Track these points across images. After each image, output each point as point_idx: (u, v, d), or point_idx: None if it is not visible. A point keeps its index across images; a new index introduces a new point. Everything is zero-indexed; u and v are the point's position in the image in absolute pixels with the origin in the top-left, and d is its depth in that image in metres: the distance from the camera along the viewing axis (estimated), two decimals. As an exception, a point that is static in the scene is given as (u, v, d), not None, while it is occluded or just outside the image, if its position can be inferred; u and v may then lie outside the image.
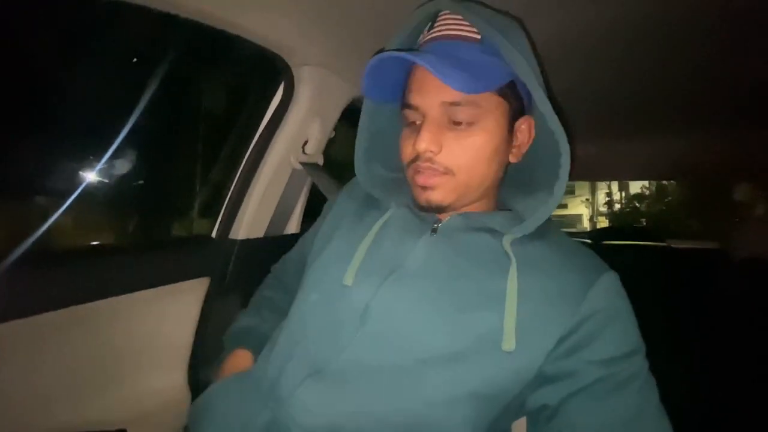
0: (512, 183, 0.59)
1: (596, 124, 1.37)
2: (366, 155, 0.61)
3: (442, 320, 0.47)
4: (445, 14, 0.52)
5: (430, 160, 0.49)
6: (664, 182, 10.75)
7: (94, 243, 0.86)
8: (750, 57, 0.86)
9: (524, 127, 0.54)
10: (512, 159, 0.55)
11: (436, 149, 0.49)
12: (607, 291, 0.48)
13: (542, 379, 0.46)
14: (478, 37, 0.50)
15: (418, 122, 0.51)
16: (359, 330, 0.49)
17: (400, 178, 0.62)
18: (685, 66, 0.92)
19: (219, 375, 0.63)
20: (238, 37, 0.73)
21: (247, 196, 0.93)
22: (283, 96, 0.89)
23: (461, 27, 0.50)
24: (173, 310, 0.85)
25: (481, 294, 0.48)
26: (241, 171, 0.93)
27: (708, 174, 1.98)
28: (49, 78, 0.83)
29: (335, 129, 1.06)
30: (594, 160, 1.67)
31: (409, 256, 0.52)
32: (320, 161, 1.04)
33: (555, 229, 0.56)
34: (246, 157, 0.92)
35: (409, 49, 0.53)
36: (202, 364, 0.89)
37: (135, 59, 0.84)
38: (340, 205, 0.66)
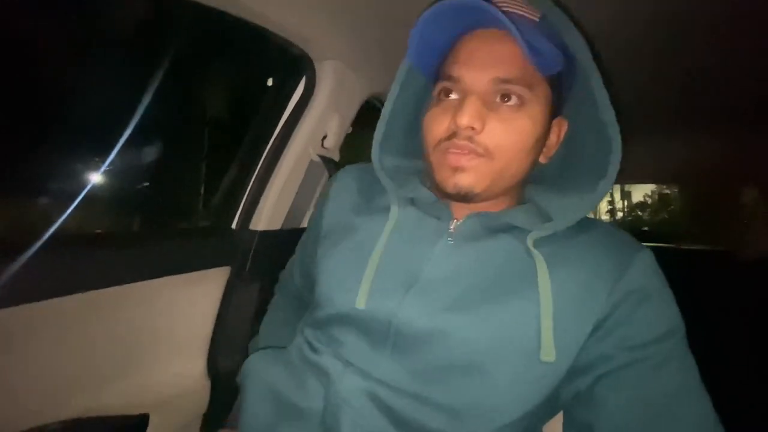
0: (540, 184, 0.55)
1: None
2: (384, 139, 0.56)
3: (473, 332, 0.44)
4: None
5: (469, 138, 0.45)
6: (666, 191, 10.75)
7: (120, 230, 0.88)
8: (752, 60, 0.87)
9: (557, 128, 0.51)
10: (542, 159, 0.51)
11: (479, 126, 0.44)
12: (643, 270, 0.45)
13: (576, 368, 0.44)
14: (537, 18, 0.47)
15: (455, 97, 0.47)
16: (387, 345, 0.46)
17: (408, 168, 0.58)
18: (688, 69, 0.93)
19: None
20: (262, 29, 0.75)
21: (267, 187, 0.95)
22: (304, 90, 0.91)
23: (518, 5, 0.47)
24: (194, 298, 0.86)
25: (512, 300, 0.44)
26: (262, 163, 0.94)
27: (711, 177, 1.99)
28: (77, 71, 0.85)
29: (351, 127, 1.08)
30: None
31: (426, 266, 0.49)
32: (336, 157, 1.06)
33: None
34: (267, 149, 0.94)
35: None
36: (222, 352, 0.90)
37: (160, 52, 0.86)
38: (335, 202, 0.61)
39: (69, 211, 0.80)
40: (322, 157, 0.99)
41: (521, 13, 0.47)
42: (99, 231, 0.76)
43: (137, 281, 0.74)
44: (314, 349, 0.52)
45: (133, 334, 0.76)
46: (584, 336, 0.43)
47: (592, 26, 0.77)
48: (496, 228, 0.50)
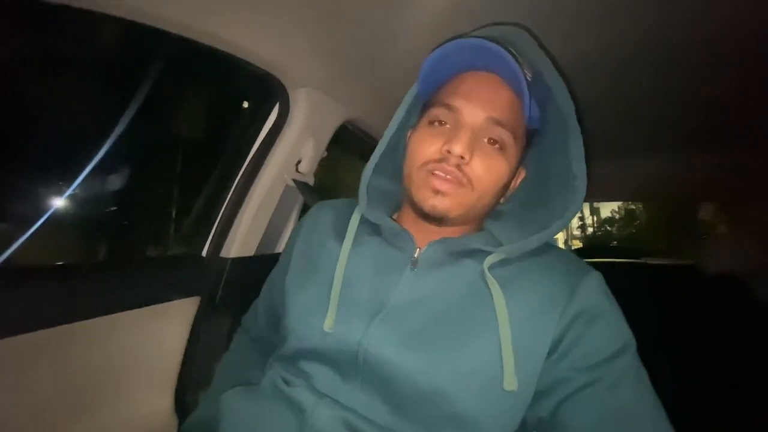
0: (494, 218, 0.58)
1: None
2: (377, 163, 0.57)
3: (437, 363, 0.45)
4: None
5: (458, 166, 0.47)
6: (632, 206, 11.26)
7: (79, 261, 0.82)
8: (712, 83, 0.92)
9: (517, 176, 0.55)
10: (501, 199, 0.55)
11: (468, 157, 0.47)
12: (591, 291, 0.47)
13: (537, 393, 0.45)
14: (530, 78, 0.50)
15: (449, 124, 0.49)
16: (357, 376, 0.47)
17: (380, 186, 0.60)
18: (652, 92, 0.99)
19: None
20: (235, 57, 0.75)
21: (239, 213, 0.93)
22: (278, 116, 0.91)
23: (519, 62, 0.50)
24: (161, 331, 0.81)
25: (472, 328, 0.46)
26: (234, 189, 0.93)
27: (674, 195, 2.11)
28: (40, 91, 0.82)
29: (326, 150, 1.08)
30: None
31: (392, 293, 0.50)
32: (311, 181, 1.05)
33: None
34: (239, 175, 0.93)
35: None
36: (190, 388, 0.85)
37: (131, 77, 0.85)
38: (305, 236, 0.62)
39: (21, 240, 0.75)
40: (297, 182, 0.98)
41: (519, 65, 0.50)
42: (55, 263, 0.71)
43: (98, 316, 0.69)
44: (287, 382, 0.52)
45: (94, 372, 0.71)
46: (542, 360, 0.45)
47: (560, 54, 0.82)
48: (457, 253, 0.52)
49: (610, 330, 0.46)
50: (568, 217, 0.49)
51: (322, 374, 0.49)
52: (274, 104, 0.91)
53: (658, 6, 0.66)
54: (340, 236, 0.58)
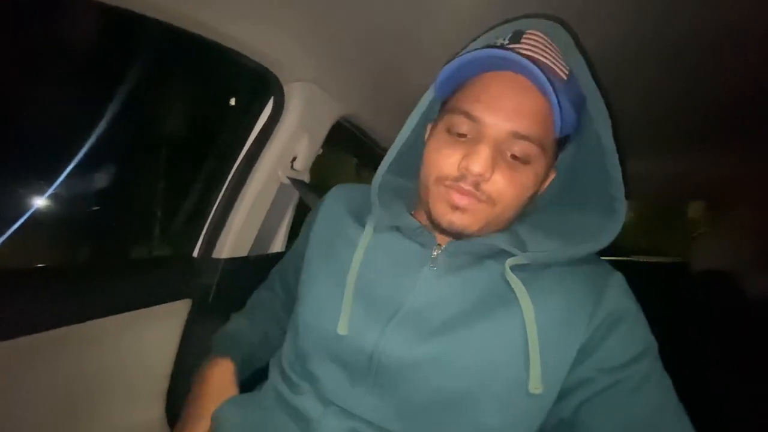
0: (523, 220, 0.55)
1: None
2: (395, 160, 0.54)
3: (458, 363, 0.43)
4: (538, 35, 0.48)
5: (476, 184, 0.45)
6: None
7: (65, 263, 0.78)
8: (701, 84, 0.93)
9: (548, 178, 0.52)
10: (529, 204, 0.52)
11: (489, 175, 0.44)
12: (618, 293, 0.47)
13: (559, 394, 0.44)
14: (566, 77, 0.46)
15: (469, 135, 0.46)
16: (369, 380, 0.45)
17: (396, 185, 0.57)
18: (639, 93, 0.99)
19: (197, 384, 0.58)
20: (228, 49, 0.72)
21: (232, 212, 0.89)
22: (272, 111, 0.88)
23: (554, 58, 0.47)
24: (152, 336, 0.78)
25: (496, 329, 0.44)
26: (227, 186, 0.89)
27: (663, 194, 2.14)
28: (27, 85, 0.78)
29: (322, 147, 1.05)
30: None
31: (410, 293, 0.48)
32: (306, 179, 1.02)
33: None
34: (232, 172, 0.90)
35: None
36: (182, 396, 0.82)
37: (120, 68, 0.81)
38: (321, 223, 0.60)
39: (2, 239, 0.71)
40: (292, 179, 0.96)
41: (553, 65, 0.46)
42: (39, 265, 0.67)
43: (85, 321, 0.66)
44: (292, 387, 0.50)
45: (85, 378, 0.68)
46: (569, 364, 0.44)
47: None
48: (478, 253, 0.50)
49: (634, 332, 0.45)
50: (604, 242, 0.46)
51: (330, 377, 0.47)
52: (269, 99, 0.88)
53: (651, 10, 0.65)
54: (360, 225, 0.55)
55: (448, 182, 0.46)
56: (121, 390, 0.74)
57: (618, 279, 0.48)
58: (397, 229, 0.53)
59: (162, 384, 0.81)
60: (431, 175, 0.48)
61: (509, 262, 0.46)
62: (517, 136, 0.44)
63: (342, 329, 0.47)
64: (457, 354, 0.43)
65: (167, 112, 0.95)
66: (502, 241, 0.48)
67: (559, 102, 0.43)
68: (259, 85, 0.85)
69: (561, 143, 0.50)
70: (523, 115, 0.44)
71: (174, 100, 0.94)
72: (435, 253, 0.50)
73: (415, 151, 0.54)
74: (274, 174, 0.92)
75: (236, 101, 0.94)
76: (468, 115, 0.45)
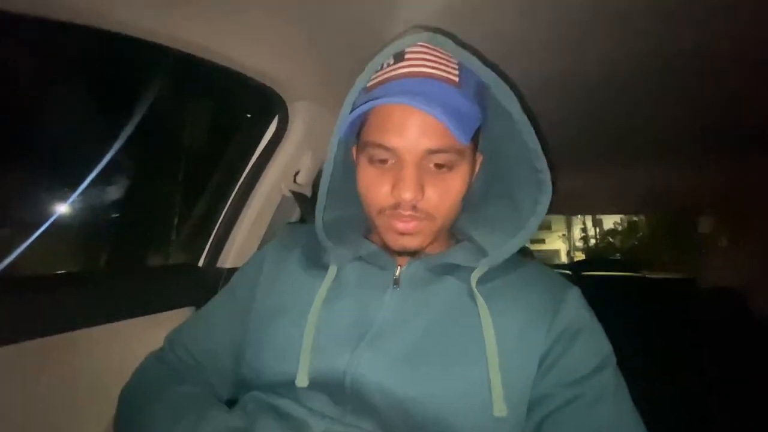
0: (465, 210, 0.56)
1: (569, 159, 1.46)
2: (328, 197, 0.54)
3: (427, 384, 0.44)
4: (417, 47, 0.49)
5: (413, 208, 0.47)
6: (635, 218, 11.23)
7: (70, 270, 0.83)
8: (713, 97, 0.94)
9: (476, 164, 0.55)
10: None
11: (420, 198, 0.46)
12: (573, 306, 0.48)
13: None
14: (456, 78, 0.48)
15: (390, 161, 0.48)
16: (348, 402, 0.46)
17: (347, 218, 0.59)
18: (655, 106, 1.00)
19: None
20: (236, 71, 0.76)
21: (236, 224, 0.93)
22: (277, 128, 0.92)
23: (438, 64, 0.48)
24: (154, 342, 0.81)
25: (459, 350, 0.46)
26: (232, 200, 0.93)
27: (675, 207, 2.11)
28: (34, 104, 0.84)
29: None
30: (568, 194, 1.76)
31: (377, 315, 0.49)
32: (309, 193, 1.06)
33: (513, 255, 0.54)
34: (237, 186, 0.94)
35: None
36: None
37: (133, 89, 0.86)
38: (272, 266, 0.59)
39: (20, 250, 0.76)
40: (294, 193, 0.99)
41: (439, 72, 0.48)
42: (46, 273, 0.71)
43: (88, 327, 0.69)
44: (275, 400, 0.50)
45: (83, 385, 0.70)
46: (531, 381, 0.45)
47: (567, 67, 0.81)
48: (439, 270, 0.52)
49: (591, 344, 0.47)
50: (540, 212, 0.49)
51: (312, 396, 0.48)
52: (273, 117, 0.93)
53: (659, 20, 0.67)
54: (316, 266, 0.56)
55: (388, 212, 0.49)
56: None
57: (575, 291, 0.50)
58: (360, 258, 0.55)
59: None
60: (372, 209, 0.50)
61: (474, 276, 0.48)
62: (432, 151, 0.46)
63: (302, 379, 0.47)
64: (426, 376, 0.45)
65: (178, 130, 1.00)
66: (459, 256, 0.51)
67: (455, 112, 0.44)
68: (265, 104, 0.90)
69: (476, 136, 0.51)
70: (430, 133, 0.46)
71: (184, 119, 0.99)
72: (397, 274, 0.52)
73: (349, 180, 0.55)
74: (277, 188, 0.96)
75: (243, 119, 0.98)
76: (382, 146, 0.47)
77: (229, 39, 0.69)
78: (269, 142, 0.93)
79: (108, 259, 0.97)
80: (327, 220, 0.55)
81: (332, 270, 0.54)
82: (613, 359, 0.47)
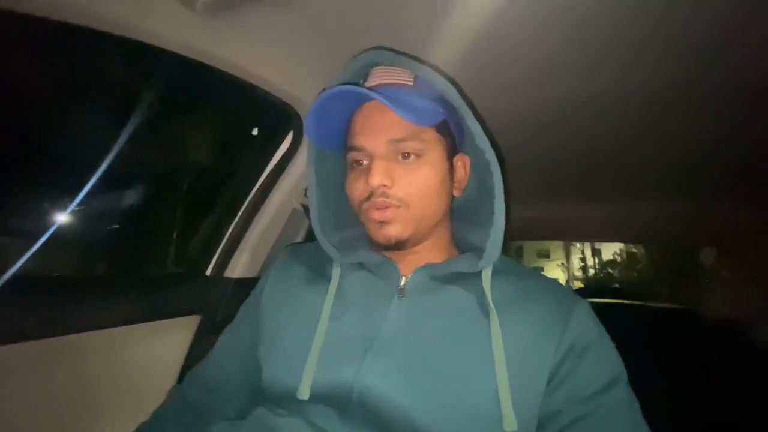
0: (463, 218, 0.60)
1: (570, 187, 1.48)
2: (320, 210, 0.59)
3: (435, 396, 0.44)
4: (379, 67, 0.55)
5: (384, 194, 0.50)
6: (634, 250, 11.21)
7: (78, 275, 0.83)
8: (715, 129, 0.95)
9: (461, 164, 0.57)
10: (455, 192, 0.57)
11: (389, 183, 0.49)
12: (583, 320, 0.48)
13: None
14: (411, 83, 0.54)
15: (365, 162, 0.52)
16: (356, 415, 0.46)
17: (353, 236, 0.61)
18: (655, 137, 1.02)
19: None
20: (251, 84, 0.79)
21: (246, 235, 0.95)
22: (291, 143, 0.95)
23: (395, 75, 0.54)
24: (159, 349, 0.81)
25: (469, 359, 0.46)
26: (243, 211, 0.95)
27: (675, 238, 2.11)
28: (49, 117, 0.86)
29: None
30: (567, 221, 1.76)
31: (383, 325, 0.50)
32: (318, 207, 1.08)
33: (519, 266, 0.56)
34: (249, 198, 0.96)
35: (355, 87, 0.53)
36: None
37: (151, 100, 0.90)
38: (276, 282, 0.61)
39: (31, 252, 0.77)
40: (305, 207, 1.01)
41: (395, 81, 0.54)
42: (56, 274, 0.72)
43: (94, 329, 0.69)
44: (278, 413, 0.50)
45: (88, 388, 0.70)
46: (540, 394, 0.45)
47: (567, 96, 0.83)
48: (445, 279, 0.52)
49: (602, 361, 0.47)
50: (497, 190, 0.52)
51: (318, 411, 0.48)
52: (288, 132, 0.95)
53: (662, 51, 0.69)
54: (320, 282, 0.57)
55: (365, 204, 0.52)
56: (125, 400, 0.76)
57: (583, 305, 0.50)
58: (362, 265, 0.57)
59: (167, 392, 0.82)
60: (355, 207, 0.54)
61: (486, 281, 0.49)
62: (395, 141, 0.50)
63: (304, 392, 0.47)
64: (433, 388, 0.44)
65: (193, 141, 1.03)
66: (462, 265, 0.52)
67: (404, 104, 0.49)
68: (280, 119, 0.93)
69: (443, 129, 0.54)
70: (390, 125, 0.50)
71: (200, 131, 1.02)
72: (402, 284, 0.53)
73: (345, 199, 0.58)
74: (288, 201, 0.97)
75: (257, 133, 1.01)
76: (354, 147, 0.52)
77: (248, 55, 0.71)
78: (283, 156, 0.96)
79: (118, 266, 0.97)
80: (333, 241, 0.58)
81: (335, 278, 0.55)
82: (625, 376, 0.47)
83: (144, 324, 0.77)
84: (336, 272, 0.56)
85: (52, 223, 0.86)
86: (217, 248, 0.95)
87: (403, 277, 0.54)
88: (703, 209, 1.51)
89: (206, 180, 1.07)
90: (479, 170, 0.56)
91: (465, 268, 0.51)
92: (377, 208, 0.50)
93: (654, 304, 1.99)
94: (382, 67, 0.55)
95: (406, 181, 0.50)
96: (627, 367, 0.48)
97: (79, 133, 0.89)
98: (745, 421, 1.26)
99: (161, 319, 0.81)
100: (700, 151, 1.08)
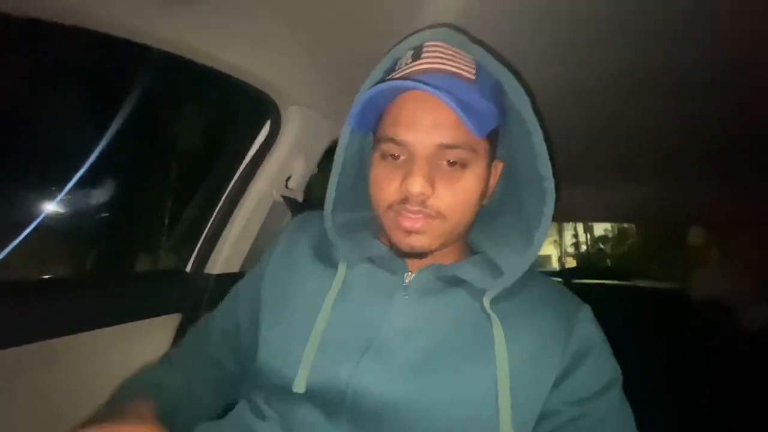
0: (481, 222, 0.55)
1: (562, 168, 1.46)
2: (337, 196, 0.54)
3: (433, 400, 0.43)
4: (435, 45, 0.49)
5: (422, 203, 0.45)
6: (625, 225, 11.35)
7: (53, 276, 0.80)
8: (707, 112, 0.94)
9: (494, 171, 0.53)
10: (484, 201, 0.53)
11: (430, 192, 0.44)
12: (586, 327, 0.48)
13: None
14: (473, 76, 0.47)
15: (401, 158, 0.47)
16: (343, 416, 0.44)
17: (358, 220, 0.57)
18: (647, 118, 1.01)
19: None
20: (228, 74, 0.75)
21: (225, 229, 0.92)
22: (269, 133, 0.91)
23: (456, 62, 0.48)
24: (139, 350, 0.79)
25: (470, 365, 0.44)
26: (222, 204, 0.92)
27: (664, 218, 2.13)
28: (23, 106, 0.81)
29: (318, 167, 1.08)
30: (559, 202, 1.76)
31: (384, 321, 0.48)
32: (300, 198, 1.05)
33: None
34: (228, 190, 0.92)
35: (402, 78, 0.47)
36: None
37: (122, 90, 0.85)
38: (283, 255, 0.58)
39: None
40: (286, 198, 0.98)
41: (456, 69, 0.47)
42: (28, 279, 0.69)
43: (72, 333, 0.67)
44: (258, 414, 0.49)
45: (68, 393, 0.68)
46: (542, 402, 0.44)
47: (560, 79, 0.81)
48: (451, 281, 0.50)
49: (600, 364, 0.46)
50: (544, 225, 0.47)
51: (304, 412, 0.46)
52: (266, 121, 0.91)
53: (648, 35, 0.67)
54: (324, 262, 0.54)
55: (395, 207, 0.47)
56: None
57: (586, 310, 0.49)
58: (369, 259, 0.53)
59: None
60: (380, 205, 0.48)
61: (487, 297, 0.47)
62: (444, 146, 0.45)
63: (300, 385, 0.45)
64: (432, 391, 0.43)
65: (168, 132, 0.98)
66: (471, 273, 0.49)
67: (468, 106, 0.43)
68: (257, 108, 0.88)
69: (492, 136, 0.49)
70: (442, 126, 0.44)
71: (174, 121, 0.97)
72: (407, 281, 0.51)
73: (363, 181, 0.54)
74: (269, 192, 0.94)
75: (234, 122, 0.97)
76: (393, 140, 0.46)
77: (223, 43, 0.68)
78: (261, 146, 0.92)
79: (93, 263, 0.94)
80: (339, 222, 0.54)
81: (341, 270, 0.52)
82: (620, 381, 0.46)
83: (123, 325, 0.75)
84: (343, 266, 0.52)
85: (22, 225, 0.83)
86: (197, 243, 0.92)
87: (409, 274, 0.51)
88: (691, 189, 1.51)
89: (182, 173, 1.03)
90: (518, 182, 0.52)
91: (472, 279, 0.48)
92: (410, 216, 0.45)
93: (643, 284, 2.02)
94: (439, 44, 0.48)
95: (447, 192, 0.45)
96: (620, 347, 0.48)
97: (46, 129, 0.84)
98: (732, 401, 1.30)
99: (140, 319, 0.79)
100: (688, 133, 1.08)
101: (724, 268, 1.64)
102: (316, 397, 0.45)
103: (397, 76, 0.48)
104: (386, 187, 0.47)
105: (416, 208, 0.45)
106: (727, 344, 1.39)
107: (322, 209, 0.56)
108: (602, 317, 0.50)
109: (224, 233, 0.92)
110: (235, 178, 0.93)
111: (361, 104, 0.46)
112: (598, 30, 0.66)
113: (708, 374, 1.38)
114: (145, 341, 0.80)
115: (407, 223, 0.46)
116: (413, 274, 0.51)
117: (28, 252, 0.80)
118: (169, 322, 0.84)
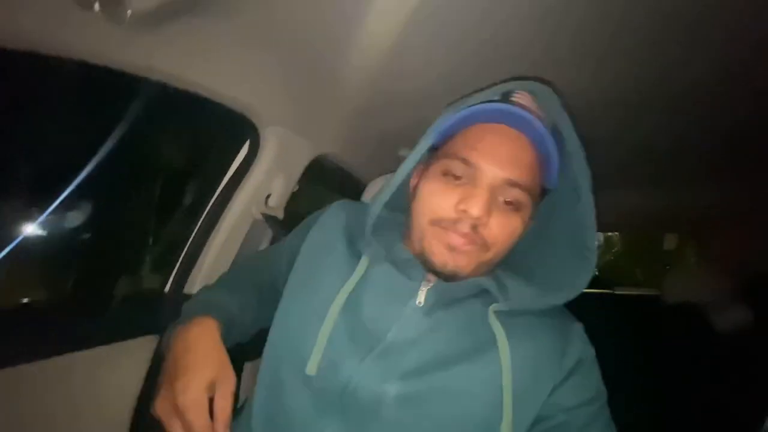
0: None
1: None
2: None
3: (432, 410, 0.44)
4: (523, 94, 0.51)
5: (473, 227, 0.46)
6: (610, 234, 11.51)
7: (28, 299, 0.79)
8: (678, 121, 0.97)
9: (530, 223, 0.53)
10: None
11: (486, 220, 0.45)
12: (580, 342, 0.50)
13: None
14: (549, 127, 0.49)
15: (464, 179, 0.47)
16: (336, 411, 0.45)
17: (389, 220, 0.58)
18: (620, 129, 1.03)
19: (177, 350, 0.50)
20: (207, 98, 0.76)
21: (205, 248, 0.91)
22: (248, 153, 0.92)
23: (541, 113, 0.50)
24: (115, 374, 0.77)
25: (472, 381, 0.46)
26: (201, 223, 0.92)
27: (644, 226, 2.18)
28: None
29: (298, 184, 1.09)
30: None
31: (393, 326, 0.49)
32: (281, 215, 1.05)
33: None
34: (207, 210, 0.92)
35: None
36: (145, 433, 0.81)
37: (99, 113, 0.85)
38: (318, 233, 0.59)
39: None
40: (266, 216, 0.98)
41: (537, 115, 0.49)
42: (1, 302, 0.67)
43: (48, 357, 0.65)
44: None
45: (43, 419, 0.66)
46: (536, 413, 0.46)
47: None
48: (463, 294, 0.51)
49: (590, 378, 0.49)
50: (579, 287, 0.49)
51: (297, 401, 0.47)
52: (245, 141, 0.92)
53: (629, 48, 0.68)
54: (352, 254, 0.55)
55: (444, 224, 0.47)
56: (83, 429, 0.72)
57: (578, 326, 0.52)
58: (392, 261, 0.54)
59: (124, 423, 0.79)
60: (426, 216, 0.49)
61: (493, 307, 0.48)
62: (511, 183, 0.46)
63: (312, 367, 0.46)
64: (431, 400, 0.44)
65: (146, 153, 0.98)
66: (488, 284, 0.50)
67: (551, 155, 0.47)
68: (236, 129, 0.90)
69: (544, 193, 0.52)
70: (516, 164, 0.46)
71: (153, 143, 0.98)
72: (423, 290, 0.51)
73: (401, 188, 0.55)
74: (248, 211, 0.95)
75: (214, 143, 0.98)
76: (465, 161, 0.47)
77: (199, 66, 0.69)
78: (240, 165, 0.93)
79: (70, 285, 0.93)
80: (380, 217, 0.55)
81: (363, 265, 0.53)
82: (605, 397, 0.49)
83: (98, 348, 0.74)
84: (365, 260, 0.53)
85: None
86: (175, 263, 0.91)
87: (426, 283, 0.51)
88: (667, 197, 1.56)
89: (160, 193, 1.03)
90: (554, 239, 0.54)
91: (488, 287, 0.50)
92: (459, 235, 0.46)
93: (622, 291, 2.05)
94: (527, 95, 0.51)
95: (499, 226, 0.47)
96: (601, 355, 0.51)
97: (18, 155, 0.83)
98: (703, 407, 1.32)
99: (117, 341, 0.77)
100: (664, 144, 1.11)
101: (696, 272, 1.69)
102: (314, 383, 0.47)
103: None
104: (442, 202, 0.48)
105: (466, 231, 0.46)
106: (699, 348, 1.42)
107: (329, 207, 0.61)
108: (588, 327, 0.53)
109: (203, 253, 0.92)
110: (215, 197, 0.93)
111: (455, 119, 0.48)
112: (569, 44, 0.68)
113: (686, 376, 1.41)
114: (122, 364, 0.79)
115: (453, 241, 0.47)
116: (431, 284, 0.51)
117: (4, 276, 0.78)
118: (145, 345, 0.83)
